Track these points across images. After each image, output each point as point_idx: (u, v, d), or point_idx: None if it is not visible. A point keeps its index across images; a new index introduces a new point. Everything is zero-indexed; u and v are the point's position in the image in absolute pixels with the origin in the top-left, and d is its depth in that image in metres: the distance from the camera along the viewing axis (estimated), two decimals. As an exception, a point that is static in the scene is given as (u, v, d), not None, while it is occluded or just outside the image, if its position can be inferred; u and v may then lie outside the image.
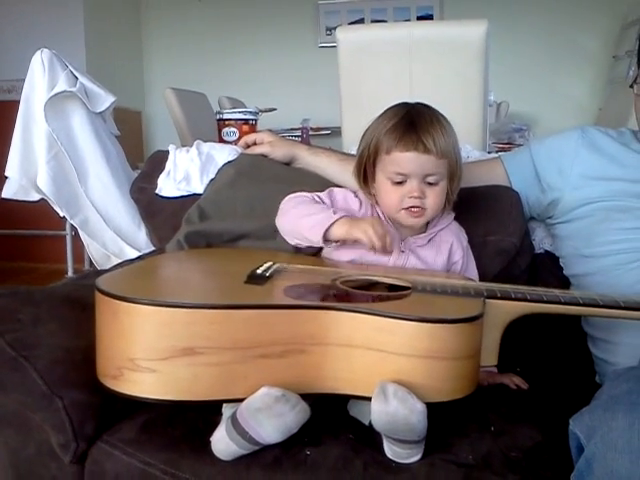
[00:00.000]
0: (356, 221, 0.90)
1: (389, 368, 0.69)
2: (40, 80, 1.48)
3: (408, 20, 4.19)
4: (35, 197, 1.53)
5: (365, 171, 0.97)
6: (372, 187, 0.98)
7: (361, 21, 4.31)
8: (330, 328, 0.70)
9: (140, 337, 0.69)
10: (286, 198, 0.99)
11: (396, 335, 0.68)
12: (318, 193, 1.00)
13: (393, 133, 0.91)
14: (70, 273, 2.86)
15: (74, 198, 1.49)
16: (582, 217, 1.07)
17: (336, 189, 1.03)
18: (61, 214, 1.49)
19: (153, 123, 4.41)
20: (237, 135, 1.62)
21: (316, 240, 0.91)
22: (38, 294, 0.93)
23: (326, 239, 0.90)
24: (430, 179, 0.91)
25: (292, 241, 0.98)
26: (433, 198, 0.92)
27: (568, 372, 1.05)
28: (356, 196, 1.01)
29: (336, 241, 0.91)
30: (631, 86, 1.04)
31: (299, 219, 0.94)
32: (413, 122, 0.91)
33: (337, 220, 0.90)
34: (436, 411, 0.71)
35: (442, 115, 0.95)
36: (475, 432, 0.78)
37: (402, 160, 0.90)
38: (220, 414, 0.75)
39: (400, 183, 0.92)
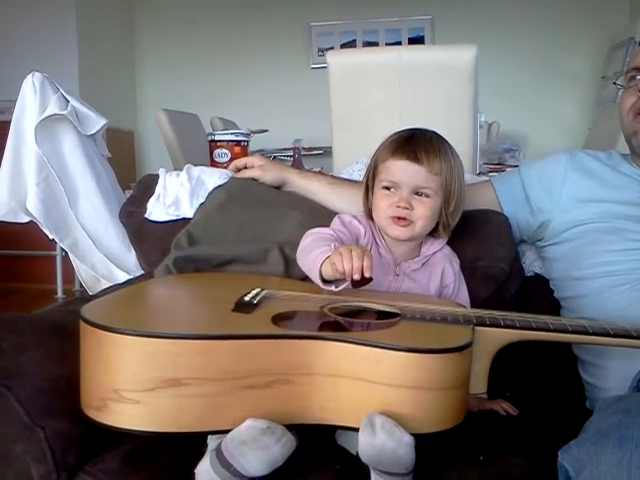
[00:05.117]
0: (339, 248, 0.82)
1: (376, 398, 0.68)
2: (31, 103, 1.47)
3: (399, 42, 4.24)
4: (24, 219, 1.52)
5: (367, 188, 1.00)
6: (372, 204, 1.00)
7: (353, 42, 4.35)
8: (317, 358, 0.69)
9: (125, 368, 0.67)
10: (305, 234, 0.94)
11: (383, 365, 0.67)
12: (335, 226, 0.97)
13: (391, 145, 0.96)
14: (60, 293, 2.84)
15: (63, 221, 1.48)
16: (571, 239, 1.07)
17: (344, 215, 1.01)
18: (50, 237, 1.48)
19: (145, 143, 4.42)
20: (229, 156, 1.63)
21: (315, 282, 0.84)
22: (22, 322, 0.92)
23: (324, 280, 0.83)
24: (420, 193, 0.93)
25: None
26: (421, 211, 0.93)
27: (558, 397, 1.05)
28: (359, 221, 1.00)
29: (333, 281, 0.83)
30: (614, 83, 1.06)
31: (304, 257, 0.90)
32: (412, 136, 0.96)
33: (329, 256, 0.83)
34: (425, 441, 0.70)
35: (448, 144, 0.98)
36: (464, 462, 0.77)
37: (394, 168, 0.94)
38: (206, 444, 0.74)
39: (391, 192, 0.95)
